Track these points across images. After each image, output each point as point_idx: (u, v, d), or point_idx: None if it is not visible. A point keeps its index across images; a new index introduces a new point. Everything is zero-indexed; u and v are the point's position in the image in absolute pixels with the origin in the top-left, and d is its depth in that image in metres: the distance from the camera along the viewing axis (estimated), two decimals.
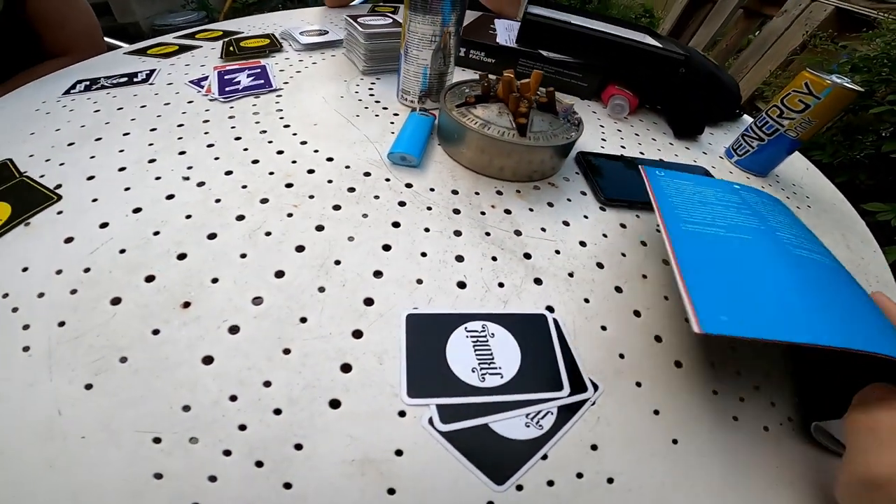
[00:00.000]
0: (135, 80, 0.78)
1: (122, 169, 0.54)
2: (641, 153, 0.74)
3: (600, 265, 0.51)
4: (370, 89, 0.76)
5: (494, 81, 0.65)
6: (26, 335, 0.39)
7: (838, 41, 2.59)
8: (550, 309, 0.45)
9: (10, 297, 0.41)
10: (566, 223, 0.56)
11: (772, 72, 2.93)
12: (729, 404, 0.43)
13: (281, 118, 0.66)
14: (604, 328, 0.45)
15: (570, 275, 0.49)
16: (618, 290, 0.49)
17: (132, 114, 0.66)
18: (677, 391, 0.42)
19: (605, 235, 0.55)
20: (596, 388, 0.41)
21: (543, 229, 0.54)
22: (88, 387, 0.36)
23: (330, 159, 0.58)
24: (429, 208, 0.53)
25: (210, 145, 0.59)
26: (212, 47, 0.95)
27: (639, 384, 0.42)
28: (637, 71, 0.84)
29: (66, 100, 0.71)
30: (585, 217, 0.57)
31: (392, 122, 0.67)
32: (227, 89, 0.71)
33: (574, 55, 0.86)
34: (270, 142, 0.60)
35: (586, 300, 0.47)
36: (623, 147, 0.75)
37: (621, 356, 0.43)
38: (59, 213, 0.49)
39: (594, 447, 0.38)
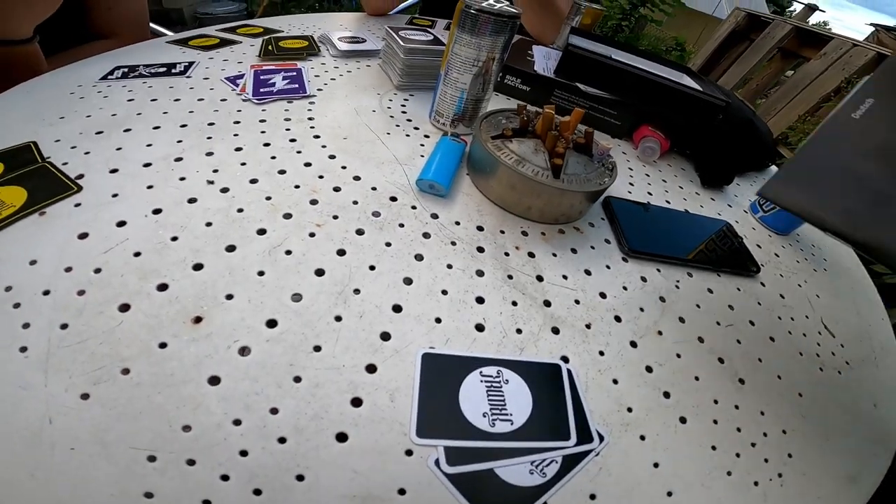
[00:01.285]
0: (173, 70, 0.76)
1: (147, 165, 0.52)
2: (667, 201, 0.71)
3: (618, 318, 0.49)
4: (403, 106, 0.74)
5: (533, 115, 0.62)
6: (25, 334, 0.36)
7: None
8: (565, 359, 0.44)
9: (14, 291, 0.39)
10: (588, 272, 0.53)
11: (800, 116, 2.84)
12: (725, 459, 0.43)
13: (312, 127, 0.63)
14: (615, 381, 0.44)
15: (588, 326, 0.47)
16: (633, 344, 0.47)
17: (165, 107, 0.64)
18: (678, 446, 0.42)
19: (625, 288, 0.53)
20: (602, 439, 0.40)
21: (565, 277, 0.52)
22: (85, 396, 0.34)
23: (357, 178, 0.56)
24: (453, 243, 0.51)
25: (238, 149, 0.57)
26: (251, 44, 0.93)
27: (643, 437, 0.41)
28: (674, 113, 0.81)
29: (102, 85, 0.70)
30: (607, 267, 0.55)
31: (422, 145, 0.65)
32: (261, 90, 0.69)
33: (612, 91, 0.83)
34: (299, 152, 0.58)
35: (601, 353, 0.46)
36: (650, 194, 0.72)
37: (629, 409, 0.43)
38: (77, 205, 0.47)
39: (593, 496, 0.37)
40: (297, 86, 0.73)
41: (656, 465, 0.40)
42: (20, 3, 0.74)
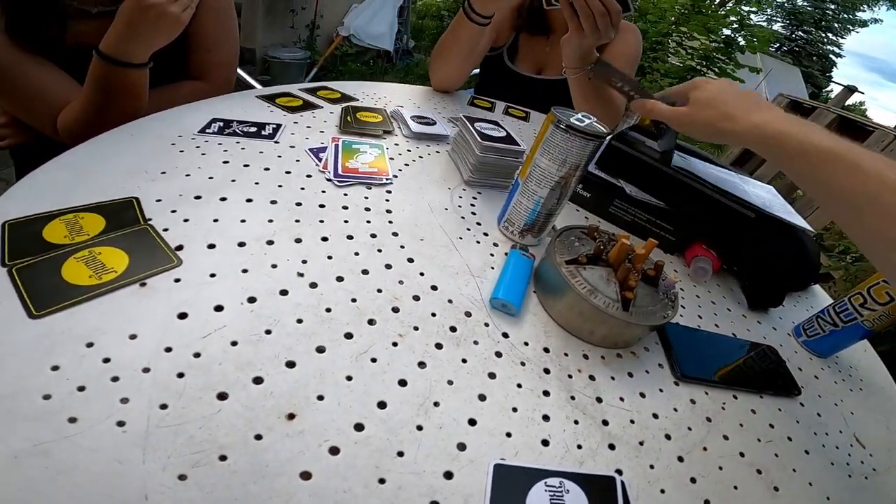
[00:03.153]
0: (262, 132, 0.79)
1: (241, 244, 0.54)
2: (716, 325, 0.73)
3: (668, 437, 0.52)
4: (472, 205, 0.76)
5: (606, 241, 0.64)
6: (124, 409, 0.37)
7: None
8: (619, 472, 0.46)
9: (112, 364, 0.40)
10: (643, 395, 0.55)
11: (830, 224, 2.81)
12: None
13: (390, 222, 0.65)
14: (662, 491, 0.46)
15: (641, 443, 0.50)
16: (680, 459, 0.50)
17: (256, 176, 0.67)
18: None
19: (675, 409, 0.55)
20: None
21: (622, 399, 0.54)
22: (182, 477, 0.34)
23: (434, 288, 0.57)
24: (522, 364, 0.53)
25: (324, 238, 0.59)
26: (331, 111, 0.97)
27: None
28: (704, 218, 0.81)
29: (200, 139, 0.73)
30: (660, 391, 0.57)
31: (492, 255, 0.66)
32: (340, 172, 0.72)
33: (651, 191, 0.83)
34: (380, 250, 0.60)
35: (651, 466, 0.48)
36: (700, 317, 0.73)
37: None
38: (177, 280, 0.48)
39: None
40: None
41: None
42: (144, 28, 0.79)
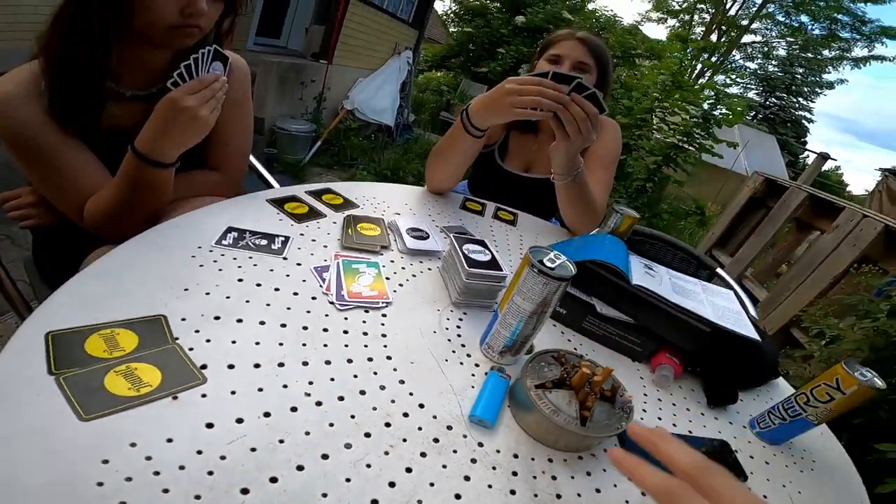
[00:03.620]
0: (272, 246, 0.94)
1: (256, 366, 0.67)
2: (674, 424, 0.86)
3: None
4: (458, 326, 0.90)
5: (571, 367, 0.77)
6: (165, 498, 0.49)
7: (886, 266, 2.68)
8: None
9: (154, 461, 0.51)
10: (598, 490, 0.69)
11: (814, 299, 2.94)
12: None
13: (385, 346, 0.79)
14: None
15: None
16: None
17: (268, 296, 0.81)
18: None
19: (627, 502, 0.68)
20: None
21: (579, 494, 0.67)
22: None
23: (421, 406, 0.71)
24: (493, 468, 0.66)
25: (327, 362, 0.72)
26: (334, 220, 1.13)
27: None
28: (665, 332, 0.96)
29: (217, 252, 0.88)
30: (615, 486, 0.70)
31: (473, 375, 0.80)
32: (345, 296, 0.86)
33: (620, 306, 0.99)
34: (375, 373, 0.73)
35: None
36: (660, 418, 0.87)
37: None
38: (203, 395, 0.61)
39: None
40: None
41: None
42: (177, 130, 0.92)
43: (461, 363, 0.81)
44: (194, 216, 0.97)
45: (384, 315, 0.86)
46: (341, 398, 0.67)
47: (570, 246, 1.17)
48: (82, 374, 0.59)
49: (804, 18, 18.97)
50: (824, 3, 17.69)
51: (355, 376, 0.71)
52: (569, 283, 0.76)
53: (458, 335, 0.88)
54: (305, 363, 0.70)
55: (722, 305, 1.05)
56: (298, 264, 0.92)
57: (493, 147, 1.72)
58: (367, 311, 0.85)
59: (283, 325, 0.75)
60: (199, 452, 0.54)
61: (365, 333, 0.80)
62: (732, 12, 19.77)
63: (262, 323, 0.74)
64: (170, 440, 0.54)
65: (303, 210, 1.14)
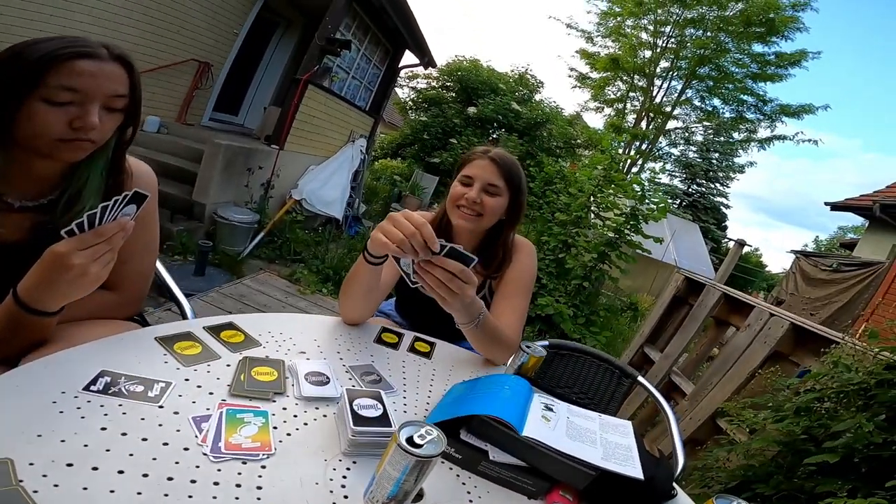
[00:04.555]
0: (149, 393, 0.97)
1: None
2: None
3: None
4: (344, 477, 0.94)
5: None
6: None
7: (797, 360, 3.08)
8: None
9: None
10: None
11: (732, 393, 3.27)
12: None
13: (258, 499, 0.81)
14: None
15: None
16: None
17: (132, 447, 0.83)
18: None
19: None
20: None
21: None
22: None
23: None
24: None
25: None
26: (227, 363, 1.17)
27: None
28: (561, 476, 1.04)
29: (83, 399, 0.90)
30: None
31: None
32: (222, 448, 0.88)
33: (511, 452, 1.06)
34: None
35: None
36: None
37: None
38: None
39: None
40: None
41: None
42: (63, 285, 0.94)
43: None
44: (65, 356, 0.99)
45: (263, 467, 0.89)
46: None
47: (469, 394, 1.24)
48: None
49: (716, 102, 22.29)
50: (732, 85, 20.94)
51: None
52: (436, 460, 0.84)
53: (343, 486, 0.91)
54: None
55: (613, 442, 1.15)
56: (176, 413, 0.95)
57: None
58: (244, 463, 0.88)
59: (145, 476, 0.77)
60: None
61: (238, 486, 0.82)
62: (658, 99, 22.93)
63: (120, 472, 0.76)
64: None
65: (195, 351, 1.18)
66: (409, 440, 0.82)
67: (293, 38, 8.01)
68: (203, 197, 5.69)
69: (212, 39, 7.31)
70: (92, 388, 0.92)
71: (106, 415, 0.87)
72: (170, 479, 0.78)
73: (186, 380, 1.05)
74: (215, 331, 1.29)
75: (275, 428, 0.99)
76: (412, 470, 0.81)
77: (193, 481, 0.79)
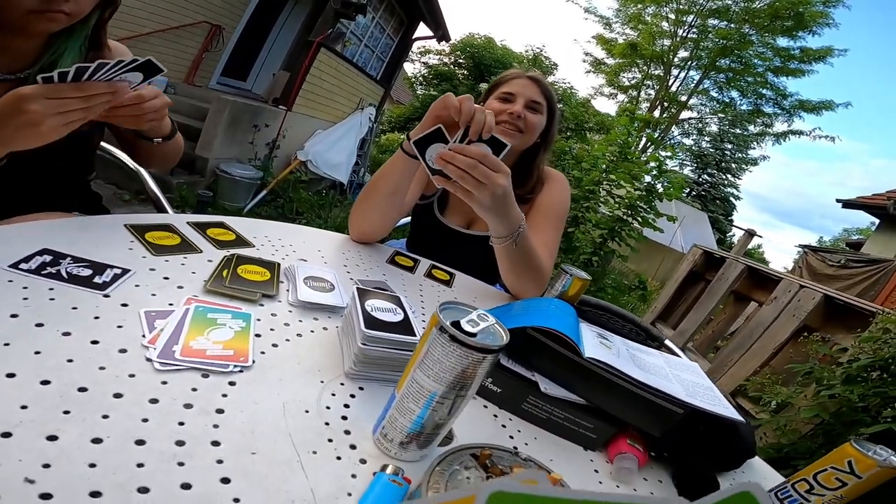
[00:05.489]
0: (96, 279, 0.74)
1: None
2: None
3: None
4: (346, 406, 0.68)
5: (499, 473, 0.58)
6: None
7: (828, 336, 2.97)
8: None
9: None
10: None
11: (756, 369, 3.20)
12: None
13: (215, 426, 0.56)
14: None
15: None
16: None
17: (43, 343, 0.58)
18: None
19: None
20: None
21: None
22: None
23: None
24: None
25: (96, 440, 0.49)
26: (209, 258, 0.93)
27: None
28: (630, 415, 0.82)
29: (5, 277, 0.67)
30: None
31: (354, 476, 0.57)
32: (177, 354, 0.63)
33: (566, 386, 0.83)
34: (181, 463, 0.50)
35: None
36: None
37: None
38: None
39: None
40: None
41: None
42: (9, 129, 0.80)
43: (338, 458, 0.59)
44: (11, 230, 0.79)
45: (231, 384, 0.63)
46: (96, 494, 0.43)
47: (510, 310, 1.02)
48: None
49: (734, 94, 21.79)
50: (752, 78, 20.42)
51: (140, 465, 0.47)
52: (497, 357, 0.57)
53: (344, 417, 0.66)
54: (53, 437, 0.47)
55: (691, 381, 0.91)
56: (124, 305, 0.71)
57: (432, 199, 1.66)
58: (205, 377, 0.63)
59: (46, 383, 0.53)
60: None
61: (187, 406, 0.57)
62: (674, 88, 22.53)
63: (10, 375, 0.52)
64: None
65: (171, 241, 0.95)
66: (456, 325, 0.56)
67: (306, 7, 7.71)
68: (206, 152, 5.58)
69: (225, 3, 7.15)
70: (22, 265, 0.70)
71: (26, 298, 0.64)
72: (82, 389, 0.53)
73: (152, 269, 0.82)
74: (201, 227, 1.06)
75: (257, 335, 0.74)
76: (455, 381, 0.56)
77: (118, 395, 0.54)
